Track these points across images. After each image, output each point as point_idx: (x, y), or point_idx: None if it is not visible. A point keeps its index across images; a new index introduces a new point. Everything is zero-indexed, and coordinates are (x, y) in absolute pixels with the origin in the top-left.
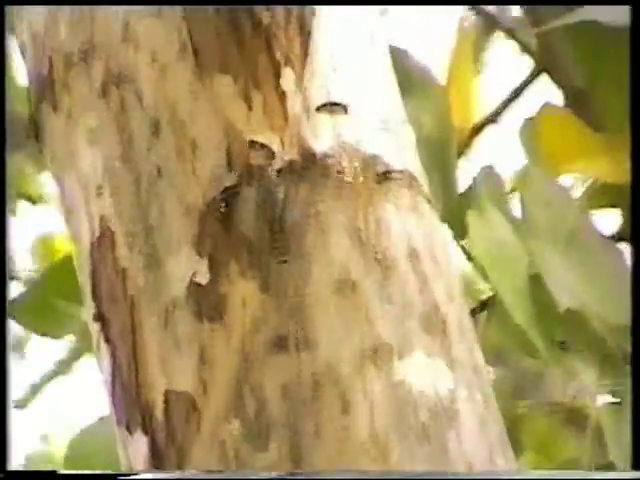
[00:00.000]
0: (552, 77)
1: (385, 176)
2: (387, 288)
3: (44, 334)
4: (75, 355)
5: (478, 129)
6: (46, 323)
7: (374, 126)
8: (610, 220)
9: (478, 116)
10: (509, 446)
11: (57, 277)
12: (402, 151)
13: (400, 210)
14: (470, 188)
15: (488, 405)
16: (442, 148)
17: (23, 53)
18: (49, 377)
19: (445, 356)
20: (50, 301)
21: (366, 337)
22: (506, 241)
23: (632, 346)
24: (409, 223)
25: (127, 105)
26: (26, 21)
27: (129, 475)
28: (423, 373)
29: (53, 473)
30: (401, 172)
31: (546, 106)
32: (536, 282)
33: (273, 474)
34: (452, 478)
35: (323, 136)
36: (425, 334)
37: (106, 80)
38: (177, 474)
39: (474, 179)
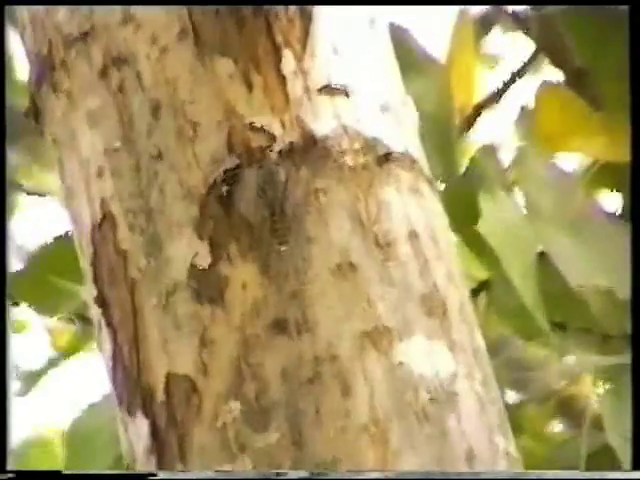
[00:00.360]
0: (552, 58)
1: (386, 158)
2: (387, 270)
3: (40, 310)
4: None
5: (480, 109)
6: (43, 299)
7: (375, 108)
8: (610, 201)
9: (479, 96)
10: (509, 427)
11: (56, 254)
12: (403, 133)
13: (401, 192)
14: (469, 168)
15: (488, 387)
16: (443, 127)
17: (22, 34)
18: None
19: (445, 338)
20: (48, 278)
21: (366, 319)
22: (517, 222)
23: (632, 348)
24: (410, 205)
25: (127, 87)
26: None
27: (133, 474)
28: (423, 355)
29: (57, 473)
30: (402, 154)
31: (546, 84)
32: (542, 263)
33: (274, 474)
34: (453, 478)
35: (324, 118)
36: (425, 316)
37: (106, 62)
38: (183, 474)
39: (472, 158)
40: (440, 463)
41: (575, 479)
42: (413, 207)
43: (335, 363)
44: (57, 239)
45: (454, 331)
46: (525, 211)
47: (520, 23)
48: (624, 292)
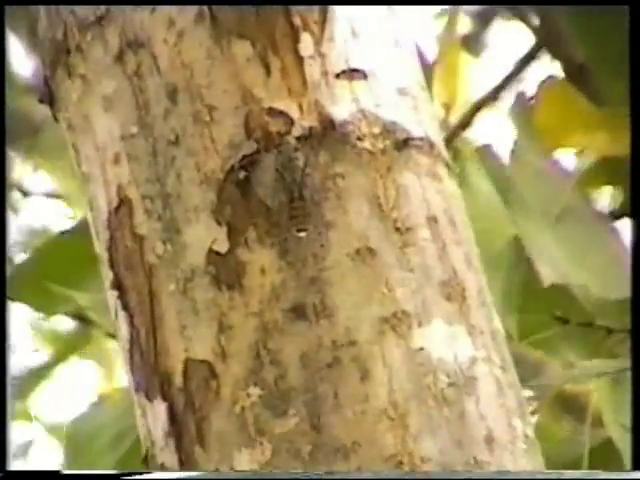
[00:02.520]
0: (553, 52)
1: (405, 143)
2: (406, 255)
3: (38, 310)
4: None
5: (479, 106)
6: (39, 302)
7: (393, 92)
8: (609, 197)
9: (468, 93)
10: (527, 410)
11: (49, 260)
12: (421, 117)
13: (419, 177)
14: (467, 167)
15: (506, 370)
16: None
17: (36, 18)
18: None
19: (464, 323)
20: (43, 284)
21: (385, 304)
22: (487, 212)
23: (632, 347)
24: (428, 190)
25: (143, 71)
26: None
27: (132, 475)
28: (442, 340)
29: (55, 473)
30: (421, 139)
31: (547, 79)
32: (518, 257)
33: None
34: (474, 477)
35: (342, 103)
36: (444, 301)
37: (122, 46)
38: (184, 474)
39: (470, 158)
40: (459, 446)
41: (575, 479)
42: (432, 192)
43: (354, 348)
44: (51, 239)
45: (473, 315)
46: (511, 204)
47: (521, 17)
48: (602, 292)
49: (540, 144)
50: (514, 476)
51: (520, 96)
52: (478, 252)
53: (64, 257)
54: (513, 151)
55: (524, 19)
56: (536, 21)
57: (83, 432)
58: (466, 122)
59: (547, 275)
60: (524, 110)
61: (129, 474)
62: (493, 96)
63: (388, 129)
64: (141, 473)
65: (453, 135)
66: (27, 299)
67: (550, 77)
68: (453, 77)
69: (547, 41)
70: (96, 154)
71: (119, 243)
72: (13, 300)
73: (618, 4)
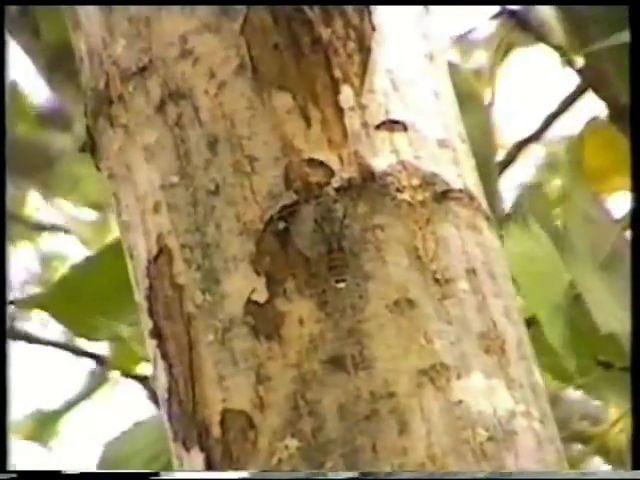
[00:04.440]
0: (598, 93)
1: (444, 195)
2: (445, 307)
3: (77, 335)
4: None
5: (522, 145)
6: (82, 328)
7: (433, 144)
8: None
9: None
10: (566, 465)
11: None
12: (461, 169)
13: (459, 229)
14: (515, 206)
15: (545, 424)
16: (484, 165)
17: (80, 67)
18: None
19: (504, 376)
20: (85, 312)
21: (424, 357)
22: (545, 257)
23: (632, 348)
24: (468, 242)
25: (184, 121)
26: (83, 35)
27: (133, 474)
28: (481, 393)
29: (57, 473)
30: (460, 191)
31: (592, 121)
32: (576, 303)
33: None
34: (460, 478)
35: (382, 154)
36: (483, 353)
37: (163, 96)
38: (185, 474)
39: (518, 196)
40: None
41: (575, 479)
42: (471, 244)
43: (392, 400)
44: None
45: (512, 368)
46: (563, 249)
47: (566, 58)
48: None
49: (587, 186)
50: (514, 476)
51: (569, 137)
52: (518, 305)
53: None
54: (562, 192)
55: (569, 60)
56: (581, 60)
57: (118, 453)
58: (509, 161)
59: (604, 323)
60: (573, 152)
61: (129, 474)
62: (537, 135)
63: (428, 181)
64: (140, 473)
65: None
66: (66, 321)
67: (593, 119)
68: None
69: (592, 81)
70: (136, 203)
71: (158, 292)
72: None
73: (618, 4)
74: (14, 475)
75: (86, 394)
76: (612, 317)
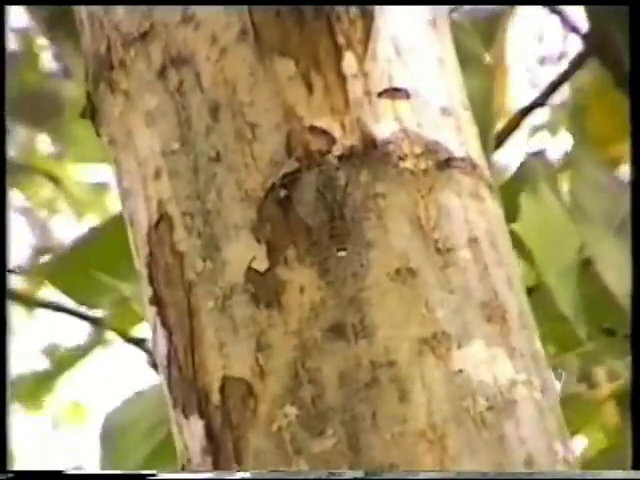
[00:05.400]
0: (602, 60)
1: (447, 163)
2: (447, 276)
3: (81, 302)
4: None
5: (526, 111)
6: (83, 292)
7: (436, 112)
8: None
9: (522, 99)
10: (568, 434)
11: (96, 247)
12: (464, 137)
13: (461, 197)
14: (519, 171)
15: (547, 393)
16: (482, 129)
17: (80, 32)
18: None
19: (505, 345)
20: (86, 273)
21: (425, 325)
22: (558, 224)
23: (632, 348)
24: (470, 210)
25: (186, 87)
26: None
27: (133, 475)
28: (482, 362)
29: (58, 473)
30: (463, 159)
31: (597, 87)
32: (585, 268)
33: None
34: (465, 477)
35: (384, 122)
36: (485, 322)
37: (165, 62)
38: (186, 474)
39: (523, 162)
40: (498, 469)
41: (575, 479)
42: (474, 212)
43: (393, 368)
44: (93, 230)
45: (513, 337)
46: (573, 215)
47: (570, 24)
48: None
49: (594, 153)
50: (515, 476)
51: (573, 104)
52: (520, 273)
53: (107, 247)
54: (570, 160)
55: (572, 24)
56: (585, 26)
57: (119, 422)
58: (513, 128)
59: (616, 285)
60: (578, 118)
61: (128, 474)
62: (541, 102)
63: (430, 149)
64: (140, 473)
65: (501, 140)
66: (69, 289)
67: (597, 85)
68: (506, 84)
69: (596, 47)
70: (137, 169)
71: (159, 259)
72: (56, 289)
73: (618, 4)
74: (13, 475)
75: (82, 354)
76: (624, 280)
